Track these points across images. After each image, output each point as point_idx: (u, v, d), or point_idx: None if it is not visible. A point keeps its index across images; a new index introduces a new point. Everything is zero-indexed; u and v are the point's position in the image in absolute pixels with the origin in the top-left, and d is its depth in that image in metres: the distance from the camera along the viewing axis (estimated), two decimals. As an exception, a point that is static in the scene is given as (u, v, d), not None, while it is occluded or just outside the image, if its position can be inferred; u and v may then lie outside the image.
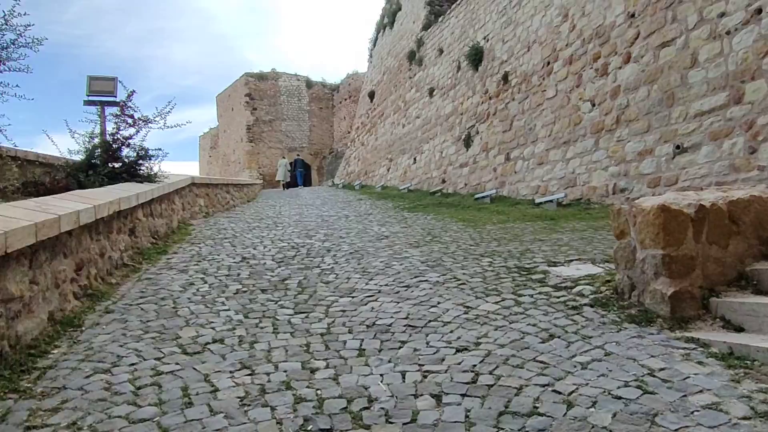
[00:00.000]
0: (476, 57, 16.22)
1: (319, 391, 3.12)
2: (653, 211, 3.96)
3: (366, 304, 4.88)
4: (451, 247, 7.30)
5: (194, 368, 3.49)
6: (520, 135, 13.47)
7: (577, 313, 4.25)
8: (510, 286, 5.13)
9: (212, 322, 4.48)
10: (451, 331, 4.05)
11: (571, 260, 5.98)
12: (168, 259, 7.06)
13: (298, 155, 36.28)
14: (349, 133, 39.84)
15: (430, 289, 5.25)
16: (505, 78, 14.56)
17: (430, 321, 4.31)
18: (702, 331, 3.70)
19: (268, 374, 3.39)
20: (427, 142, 18.91)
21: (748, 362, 3.08)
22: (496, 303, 4.67)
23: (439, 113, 18.28)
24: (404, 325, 4.24)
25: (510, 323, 4.15)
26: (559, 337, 3.79)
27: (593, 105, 11.24)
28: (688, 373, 3.02)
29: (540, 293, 4.84)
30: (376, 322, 4.35)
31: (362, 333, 4.13)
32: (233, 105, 44.77)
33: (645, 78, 10.07)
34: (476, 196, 14.00)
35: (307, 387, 3.18)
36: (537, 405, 2.81)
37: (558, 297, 4.69)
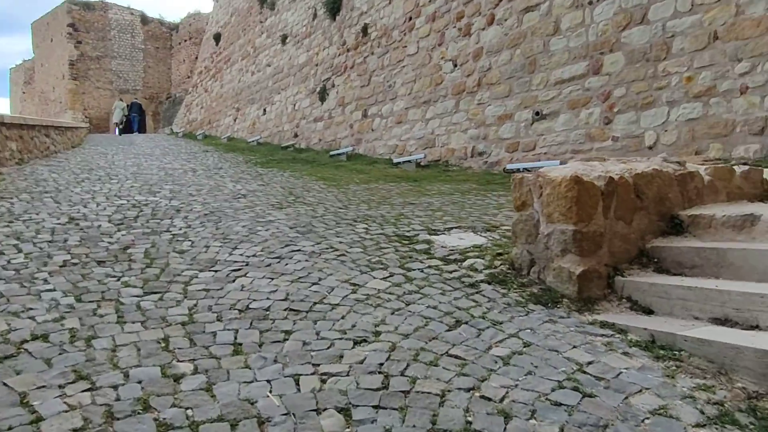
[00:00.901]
0: (334, 5, 15.38)
1: (190, 412, 2.39)
2: (565, 182, 3.66)
3: (234, 281, 4.13)
4: (319, 210, 6.68)
5: (4, 384, 2.56)
6: (379, 91, 13.04)
7: (477, 292, 3.89)
8: (395, 258, 4.65)
9: (31, 308, 3.46)
10: (343, 317, 3.48)
11: (451, 228, 5.67)
12: (-33, 219, 5.63)
13: (135, 99, 32.89)
14: (189, 77, 36.91)
15: (307, 261, 4.61)
16: (365, 30, 13.96)
17: (315, 303, 3.69)
18: (610, 313, 3.51)
19: (115, 388, 2.57)
20: (278, 92, 17.83)
21: (675, 353, 2.88)
22: (385, 279, 4.17)
23: (292, 63, 17.25)
24: (285, 309, 3.59)
25: (407, 305, 3.68)
26: (466, 323, 3.38)
27: (455, 65, 11.07)
28: (619, 368, 2.75)
29: (430, 267, 4.43)
30: (250, 306, 3.65)
31: (235, 321, 3.41)
32: (53, 35, 39.26)
33: (508, 42, 10.04)
34: (332, 152, 13.42)
35: (173, 406, 2.44)
36: (470, 419, 2.35)
37: (450, 272, 4.30)
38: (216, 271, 4.38)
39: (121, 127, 26.03)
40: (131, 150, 15.85)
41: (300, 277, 4.20)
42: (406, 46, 12.43)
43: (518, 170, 8.92)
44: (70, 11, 37.18)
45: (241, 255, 4.79)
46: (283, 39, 18.06)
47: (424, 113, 11.60)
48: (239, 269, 4.41)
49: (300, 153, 14.44)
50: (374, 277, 4.21)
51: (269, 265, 4.53)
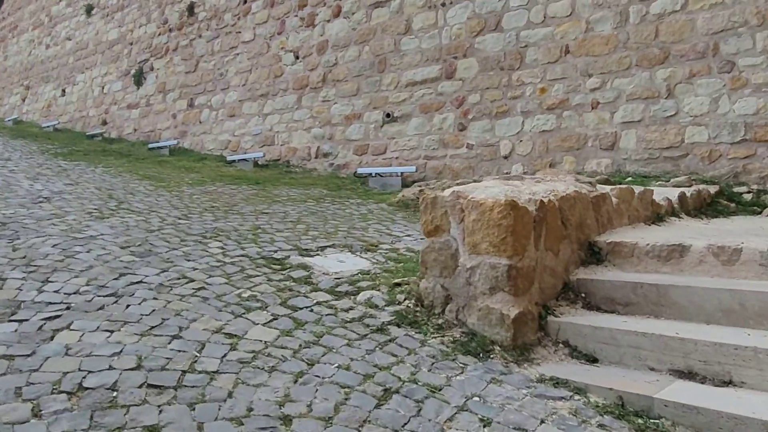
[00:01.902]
0: (152, -23, 13.52)
1: None
2: (499, 208, 3.07)
3: (52, 338, 2.92)
4: (153, 221, 5.42)
5: None
6: (208, 80, 11.65)
7: (389, 340, 3.15)
8: (272, 292, 3.73)
9: None
10: (230, 394, 2.52)
11: (324, 247, 4.85)
12: None
13: None
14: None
15: (155, 299, 3.50)
16: (191, 9, 12.41)
17: (183, 372, 2.67)
18: (550, 362, 3.00)
19: None
20: (82, 72, 15.32)
21: (655, 421, 2.42)
22: (269, 325, 3.25)
23: (100, 38, 14.91)
24: (141, 386, 2.53)
25: (310, 365, 2.82)
26: (397, 391, 2.63)
27: (297, 57, 10.19)
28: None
29: (319, 304, 3.58)
30: (85, 383, 2.52)
31: (64, 416, 2.28)
32: None
33: (356, 37, 9.43)
34: (151, 145, 11.71)
35: None
36: None
37: (346, 311, 3.50)
38: (21, 321, 3.09)
39: None
40: None
41: (152, 327, 3.11)
42: (240, 32, 11.22)
43: (371, 175, 8.38)
44: None
45: (56, 292, 3.51)
46: (89, 10, 15.55)
47: (261, 107, 10.53)
48: (57, 316, 3.18)
49: (111, 143, 12.43)
50: (254, 322, 3.26)
51: (102, 308, 3.34)
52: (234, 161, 9.98)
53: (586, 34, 7.30)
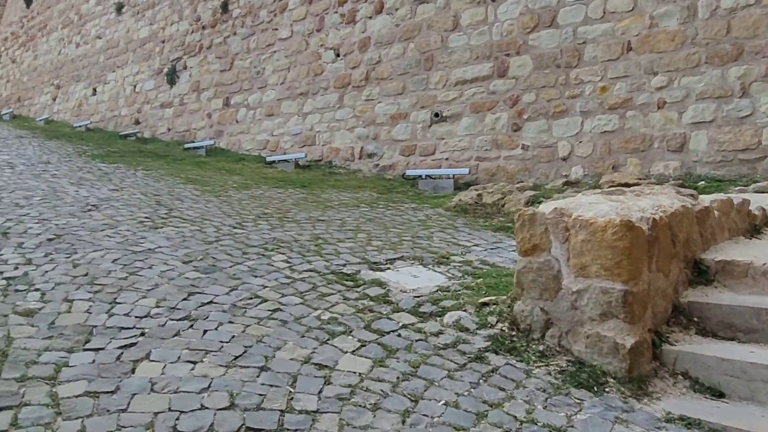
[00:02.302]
0: (185, -26, 13.34)
1: None
2: (613, 228, 2.78)
3: (133, 370, 2.70)
4: (209, 230, 5.21)
5: None
6: (244, 78, 11.44)
7: (492, 371, 2.88)
8: (352, 314, 3.48)
9: None
10: (340, 441, 2.27)
11: (392, 259, 4.60)
12: None
13: None
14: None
15: (231, 323, 3.27)
16: (225, 6, 12.21)
17: (282, 413, 2.43)
18: (671, 397, 2.71)
19: None
20: (113, 70, 15.23)
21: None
22: (358, 353, 3.00)
23: (131, 37, 14.80)
24: (240, 430, 2.29)
25: (414, 402, 2.57)
26: (522, 437, 2.37)
27: (338, 55, 9.93)
28: None
29: (405, 327, 3.33)
30: (179, 427, 2.29)
31: (166, 465, 2.06)
32: None
33: (400, 34, 9.14)
34: (186, 145, 11.55)
35: None
36: None
37: (436, 335, 3.24)
38: (97, 350, 2.88)
39: None
40: None
41: (236, 357, 2.88)
42: (277, 29, 10.99)
43: (420, 177, 8.11)
44: None
45: (127, 315, 3.30)
46: (119, 8, 15.45)
47: (300, 106, 10.30)
48: (133, 344, 2.96)
49: (145, 144, 12.30)
50: (342, 350, 3.02)
51: (178, 333, 3.12)
52: (274, 162, 9.77)
53: (649, 29, 6.93)
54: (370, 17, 9.54)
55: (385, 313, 3.55)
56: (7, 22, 22.28)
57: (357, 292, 3.87)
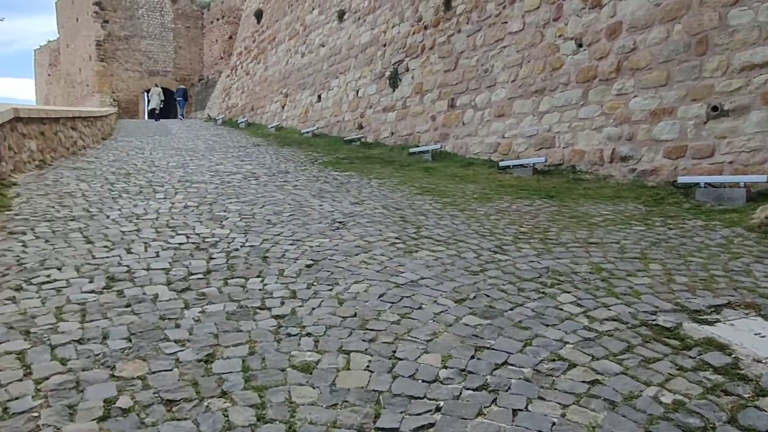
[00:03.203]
0: (406, -26, 13.10)
1: None
2: None
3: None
4: (468, 256, 4.53)
5: None
6: (471, 77, 10.79)
7: None
8: (702, 397, 2.49)
9: None
10: None
11: (716, 306, 3.49)
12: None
13: (181, 85, 31.79)
14: (222, 59, 35.01)
15: (540, 398, 2.49)
16: (448, 4, 11.68)
17: None
18: None
19: None
20: (336, 77, 15.66)
21: None
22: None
23: (352, 42, 15.05)
24: None
25: None
26: None
27: (579, 45, 8.78)
28: None
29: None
30: None
31: None
32: (78, 14, 37.64)
33: (661, 14, 7.72)
34: (411, 150, 11.25)
35: None
36: None
37: None
38: (390, 431, 2.28)
39: (156, 113, 25.31)
40: (170, 143, 13.91)
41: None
42: (506, 22, 10.15)
43: (698, 185, 6.69)
44: (97, -12, 35.54)
45: (412, 379, 2.68)
46: (340, 15, 15.85)
47: (536, 105, 9.35)
48: (431, 425, 2.31)
49: (369, 148, 12.30)
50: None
51: (480, 412, 2.41)
52: (508, 167, 8.96)
53: None
54: (621, -2, 8.25)
55: (746, 396, 2.52)
56: (241, 38, 24.47)
57: (691, 358, 2.87)
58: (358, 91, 14.43)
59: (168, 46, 38.49)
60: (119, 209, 5.94)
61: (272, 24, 20.87)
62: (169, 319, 3.24)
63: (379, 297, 3.64)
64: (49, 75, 44.04)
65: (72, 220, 5.42)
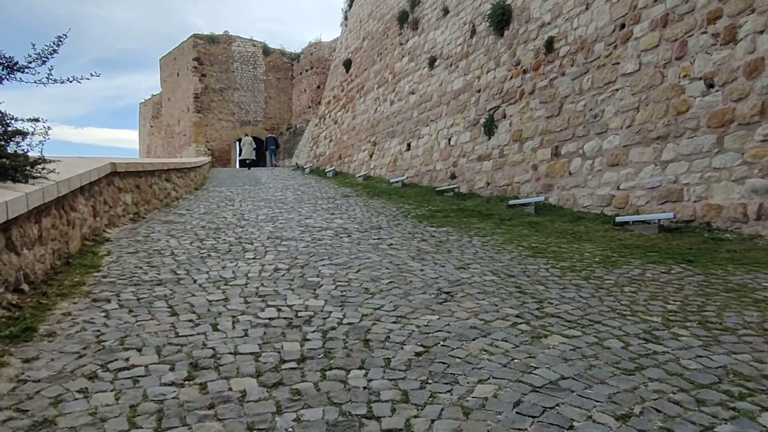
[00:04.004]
0: (502, 18, 12.55)
1: None
2: None
3: None
4: (612, 344, 3.67)
5: None
6: (578, 123, 9.93)
7: None
8: None
9: None
10: None
11: None
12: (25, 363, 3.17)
13: (271, 134, 33.09)
14: (309, 108, 35.72)
15: None
16: (549, 46, 10.97)
17: None
18: None
19: None
20: (426, 124, 15.18)
21: None
22: None
23: (444, 89, 14.56)
24: None
25: None
26: None
27: (710, 86, 7.78)
28: None
29: None
30: None
31: None
32: (179, 69, 39.77)
33: (814, 48, 6.64)
34: (511, 202, 10.43)
35: None
36: None
37: None
38: None
39: (248, 162, 26.31)
40: (259, 193, 13.78)
41: None
42: (618, 63, 9.29)
43: None
44: (196, 45, 37.45)
45: None
46: (431, 62, 15.46)
47: (657, 153, 8.35)
48: None
49: (464, 200, 11.59)
50: None
51: None
52: (626, 223, 7.97)
53: None
54: (761, 32, 7.24)
55: None
56: (330, 87, 24.71)
57: None
58: (450, 139, 13.84)
59: (259, 96, 39.83)
60: (207, 271, 5.50)
61: (361, 73, 20.86)
62: (257, 430, 2.61)
63: (515, 407, 2.86)
64: (151, 126, 46.66)
65: (159, 284, 5.01)
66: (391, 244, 7.00)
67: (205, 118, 37.97)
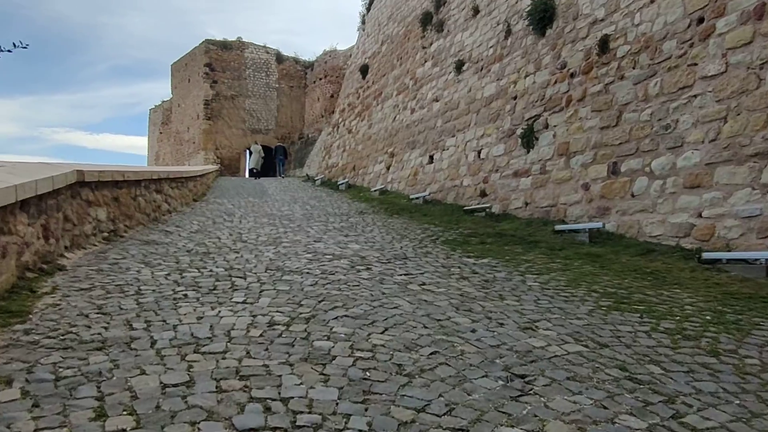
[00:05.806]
0: (544, 15, 11.01)
1: None
2: None
3: None
4: None
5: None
6: (642, 136, 8.32)
7: None
8: None
9: None
10: None
11: None
12: None
13: (280, 144, 32.04)
14: (322, 117, 34.34)
15: None
16: (604, 45, 9.39)
17: None
18: None
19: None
20: (452, 134, 13.61)
21: None
22: None
23: (473, 96, 13.00)
24: None
25: None
26: None
27: (825, 91, 6.16)
28: None
29: None
30: None
31: None
32: (190, 75, 38.57)
33: None
34: (558, 227, 8.81)
35: None
36: None
37: None
38: None
39: (255, 171, 25.31)
40: (263, 207, 12.25)
41: None
42: (695, 64, 7.69)
43: None
44: (208, 51, 36.30)
45: None
46: (458, 66, 13.92)
47: (755, 173, 6.71)
48: None
49: (498, 221, 9.99)
50: None
51: None
52: (718, 261, 6.32)
53: None
54: None
55: None
56: (345, 94, 23.24)
57: None
58: (480, 152, 12.24)
59: (271, 104, 38.57)
60: (175, 326, 3.94)
61: (378, 79, 19.37)
62: None
63: None
64: (161, 133, 45.39)
65: (100, 348, 3.45)
66: (423, 284, 5.41)
67: (215, 125, 36.71)
